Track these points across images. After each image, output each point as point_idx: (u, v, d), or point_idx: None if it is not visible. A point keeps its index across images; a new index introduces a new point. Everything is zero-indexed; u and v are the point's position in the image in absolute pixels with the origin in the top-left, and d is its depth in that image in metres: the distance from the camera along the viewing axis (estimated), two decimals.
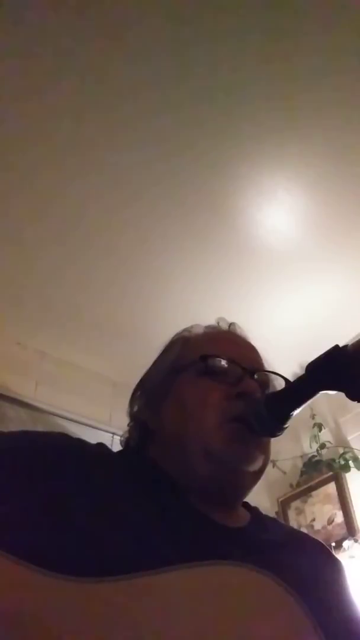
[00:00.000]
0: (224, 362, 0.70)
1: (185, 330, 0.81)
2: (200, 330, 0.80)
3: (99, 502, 0.55)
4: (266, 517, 0.75)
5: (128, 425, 0.78)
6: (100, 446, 0.69)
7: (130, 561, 0.46)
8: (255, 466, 0.66)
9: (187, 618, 0.41)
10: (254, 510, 0.73)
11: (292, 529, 0.87)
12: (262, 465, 0.68)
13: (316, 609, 0.44)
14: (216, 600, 0.42)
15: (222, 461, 0.64)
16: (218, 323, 0.81)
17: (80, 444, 0.66)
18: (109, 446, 0.69)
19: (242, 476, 0.66)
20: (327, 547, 0.77)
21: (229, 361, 0.70)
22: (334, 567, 0.71)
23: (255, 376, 0.70)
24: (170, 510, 0.60)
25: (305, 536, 0.79)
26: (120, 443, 0.78)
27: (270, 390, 0.71)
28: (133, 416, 0.77)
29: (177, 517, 0.60)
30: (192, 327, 0.81)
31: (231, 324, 0.81)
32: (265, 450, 0.68)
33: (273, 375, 0.73)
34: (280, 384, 0.71)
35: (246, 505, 0.73)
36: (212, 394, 0.68)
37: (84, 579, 0.43)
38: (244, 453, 0.65)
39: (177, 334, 0.81)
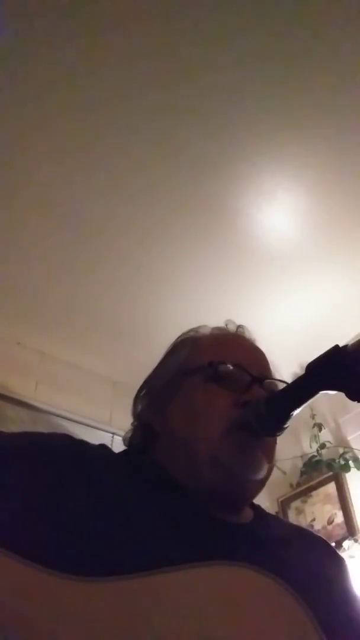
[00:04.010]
0: (232, 369, 0.69)
1: (192, 330, 0.80)
2: (207, 332, 0.79)
3: (104, 502, 0.55)
4: (269, 514, 0.75)
5: (131, 424, 0.77)
6: (103, 447, 0.69)
7: (137, 561, 0.46)
8: (262, 474, 0.66)
9: (192, 618, 0.41)
10: (257, 508, 0.73)
11: (294, 525, 0.86)
12: (267, 472, 0.67)
13: (318, 607, 0.44)
14: (219, 602, 0.43)
15: (229, 470, 0.64)
16: (226, 325, 0.80)
17: (83, 444, 0.66)
18: (109, 446, 0.69)
19: (248, 485, 0.66)
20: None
21: (238, 368, 0.69)
22: (337, 563, 0.71)
23: (264, 384, 0.70)
24: (174, 510, 0.60)
25: (307, 532, 0.79)
26: (124, 442, 0.77)
27: None
28: (137, 416, 0.76)
29: (182, 517, 0.60)
30: (199, 327, 0.80)
31: (239, 327, 0.80)
32: (270, 457, 0.68)
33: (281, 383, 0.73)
34: None
35: (249, 503, 0.73)
36: (219, 401, 0.67)
37: (92, 578, 0.43)
38: (251, 462, 0.64)
39: (185, 335, 0.80)
